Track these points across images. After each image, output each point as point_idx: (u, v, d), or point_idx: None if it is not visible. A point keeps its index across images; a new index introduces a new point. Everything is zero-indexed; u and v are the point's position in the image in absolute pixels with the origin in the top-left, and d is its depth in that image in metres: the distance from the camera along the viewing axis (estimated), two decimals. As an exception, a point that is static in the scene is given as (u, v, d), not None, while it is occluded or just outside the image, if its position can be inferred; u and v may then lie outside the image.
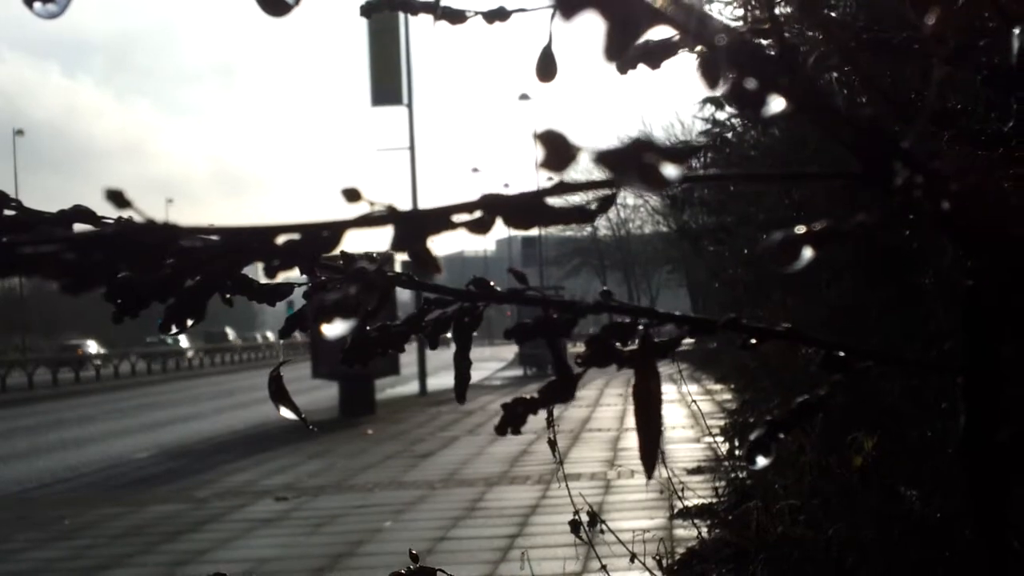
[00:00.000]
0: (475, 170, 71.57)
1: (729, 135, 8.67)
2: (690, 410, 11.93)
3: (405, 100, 25.37)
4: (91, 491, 11.27)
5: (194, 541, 7.98)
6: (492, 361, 36.30)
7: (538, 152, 0.48)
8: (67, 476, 12.72)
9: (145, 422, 20.81)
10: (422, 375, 23.20)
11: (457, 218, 0.56)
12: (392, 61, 24.86)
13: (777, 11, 0.86)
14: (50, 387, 36.56)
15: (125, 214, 0.61)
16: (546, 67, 0.71)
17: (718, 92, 0.57)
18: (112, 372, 43.18)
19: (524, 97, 48.74)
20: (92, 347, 49.45)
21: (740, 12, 5.64)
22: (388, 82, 24.91)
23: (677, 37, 0.68)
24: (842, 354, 0.74)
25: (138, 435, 17.87)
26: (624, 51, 0.46)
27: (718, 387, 18.54)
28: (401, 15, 1.06)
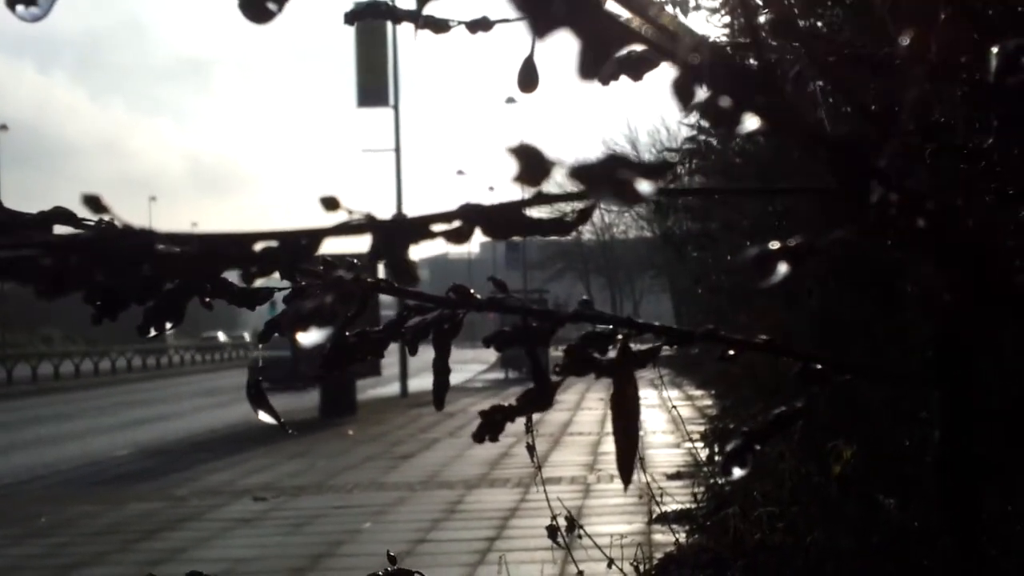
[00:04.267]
0: (460, 173, 71.59)
1: (714, 141, 8.69)
2: (670, 415, 11.95)
3: (391, 101, 25.35)
4: (69, 488, 11.20)
5: (171, 540, 7.94)
6: (474, 363, 36.26)
7: (513, 165, 0.48)
8: (45, 473, 12.64)
9: (124, 420, 20.70)
10: (403, 377, 23.17)
11: (436, 227, 0.56)
12: (378, 62, 24.84)
13: (761, 19, 0.86)
14: (29, 383, 36.34)
15: (106, 216, 0.61)
16: (528, 78, 0.71)
17: (694, 107, 0.57)
18: (92, 369, 42.90)
19: (510, 100, 48.63)
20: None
21: (727, 20, 5.65)
22: (374, 83, 24.88)
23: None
24: (820, 367, 0.75)
25: (117, 433, 17.78)
26: (598, 70, 0.46)
27: (699, 392, 18.58)
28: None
